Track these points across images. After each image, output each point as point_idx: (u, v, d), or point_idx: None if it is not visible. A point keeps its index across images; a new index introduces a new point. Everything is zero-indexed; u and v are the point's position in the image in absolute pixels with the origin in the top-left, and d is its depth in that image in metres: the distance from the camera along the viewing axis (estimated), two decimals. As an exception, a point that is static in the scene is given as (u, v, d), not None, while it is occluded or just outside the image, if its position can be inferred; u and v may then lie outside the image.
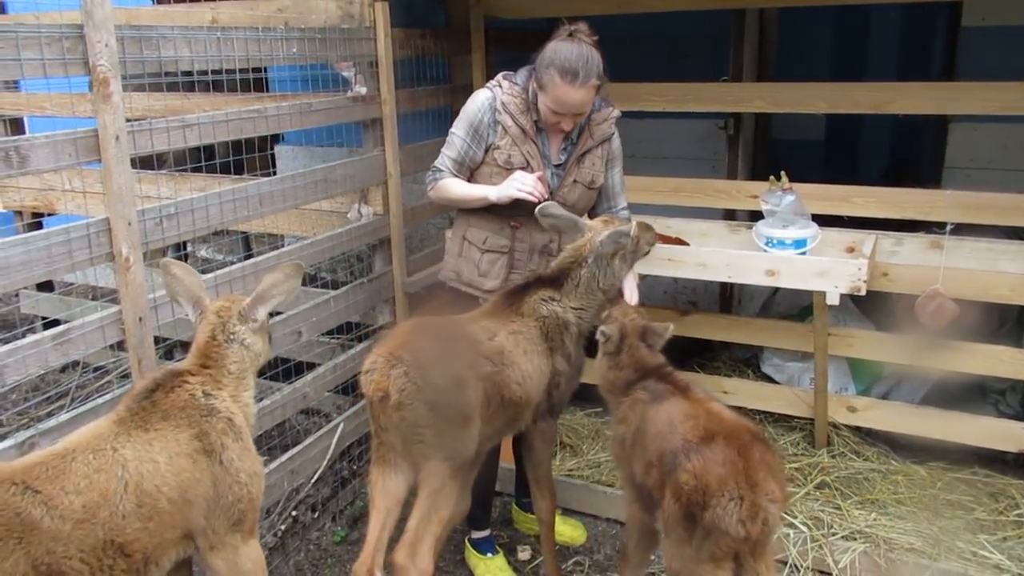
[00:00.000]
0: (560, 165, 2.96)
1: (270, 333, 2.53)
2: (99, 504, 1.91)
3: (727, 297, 4.82)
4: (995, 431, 3.50)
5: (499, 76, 2.96)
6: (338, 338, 3.82)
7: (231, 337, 2.32)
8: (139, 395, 2.14)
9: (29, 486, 1.83)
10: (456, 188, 2.94)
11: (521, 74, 2.90)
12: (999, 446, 3.51)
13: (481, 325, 2.69)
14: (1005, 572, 3.04)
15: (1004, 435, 3.48)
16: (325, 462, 3.42)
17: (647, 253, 2.98)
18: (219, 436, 2.16)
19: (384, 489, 2.57)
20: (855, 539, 3.23)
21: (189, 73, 2.90)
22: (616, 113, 3.02)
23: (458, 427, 2.50)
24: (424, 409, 2.42)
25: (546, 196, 2.81)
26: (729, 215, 4.41)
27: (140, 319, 2.55)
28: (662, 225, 3.69)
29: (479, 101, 2.90)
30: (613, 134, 3.03)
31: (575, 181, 2.96)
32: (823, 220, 3.47)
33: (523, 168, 2.87)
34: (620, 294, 2.94)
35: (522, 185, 2.77)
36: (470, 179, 2.97)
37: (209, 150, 3.02)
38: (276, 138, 4.86)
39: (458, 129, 2.92)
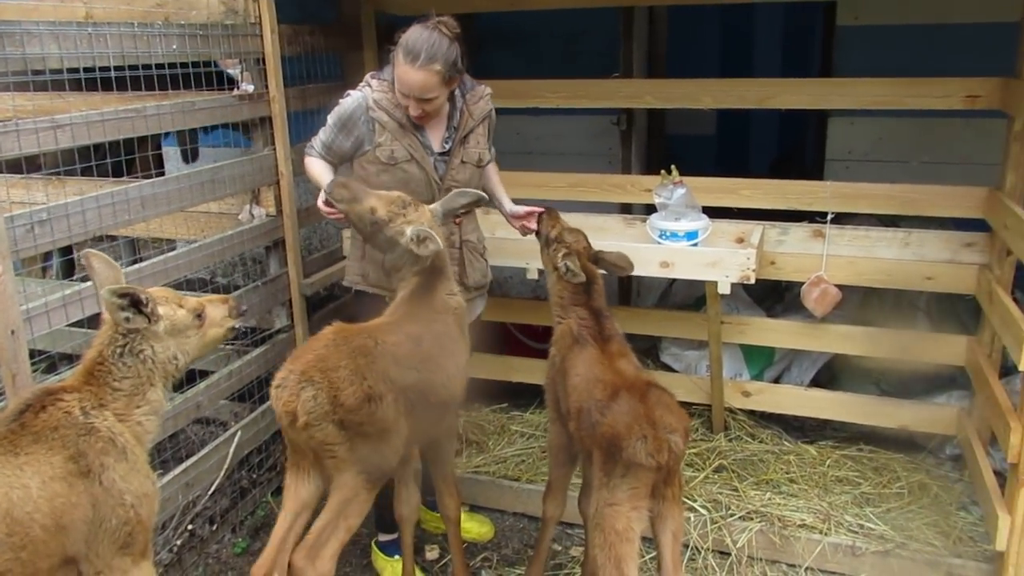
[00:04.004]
0: (444, 153, 2.97)
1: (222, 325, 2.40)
2: None
3: (626, 289, 4.92)
4: (877, 409, 3.69)
5: (367, 76, 2.97)
6: (233, 343, 3.70)
7: (121, 350, 2.15)
8: (7, 418, 2.00)
9: None
10: (311, 170, 2.99)
11: (388, 70, 2.90)
12: (881, 423, 3.71)
13: (406, 332, 2.62)
14: (889, 542, 3.21)
15: (885, 413, 3.67)
16: (223, 472, 3.31)
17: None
18: (98, 456, 2.03)
19: (296, 494, 2.52)
20: (752, 519, 3.35)
21: (161, 67, 2.88)
22: (489, 90, 3.08)
23: (375, 443, 2.44)
24: (334, 429, 2.35)
25: (330, 212, 2.78)
26: (625, 209, 4.49)
27: (12, 332, 2.39)
28: (560, 220, 3.73)
29: (351, 100, 2.91)
30: (491, 109, 3.09)
31: (462, 162, 2.99)
32: (714, 212, 3.57)
33: (407, 162, 2.90)
34: (525, 215, 3.08)
35: (321, 201, 2.79)
36: (355, 175, 2.97)
37: (98, 151, 2.88)
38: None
39: (331, 118, 2.95)
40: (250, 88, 3.35)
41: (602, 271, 2.94)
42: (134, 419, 2.17)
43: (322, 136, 2.98)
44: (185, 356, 2.28)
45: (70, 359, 3.44)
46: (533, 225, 3.08)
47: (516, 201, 3.21)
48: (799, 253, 3.58)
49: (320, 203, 2.79)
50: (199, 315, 2.32)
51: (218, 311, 2.39)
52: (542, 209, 3.08)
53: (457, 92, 2.95)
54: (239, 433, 3.40)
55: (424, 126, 2.92)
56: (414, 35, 2.70)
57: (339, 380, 2.33)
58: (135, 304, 2.13)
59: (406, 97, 2.78)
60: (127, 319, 2.13)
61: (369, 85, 2.92)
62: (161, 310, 2.20)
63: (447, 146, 2.97)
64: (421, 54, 2.67)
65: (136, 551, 2.13)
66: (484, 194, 2.85)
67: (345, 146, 2.94)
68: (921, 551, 3.16)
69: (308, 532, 2.46)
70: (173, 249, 3.27)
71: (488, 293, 3.36)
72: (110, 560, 2.07)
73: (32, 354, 2.54)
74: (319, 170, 2.96)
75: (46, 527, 1.91)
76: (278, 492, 3.73)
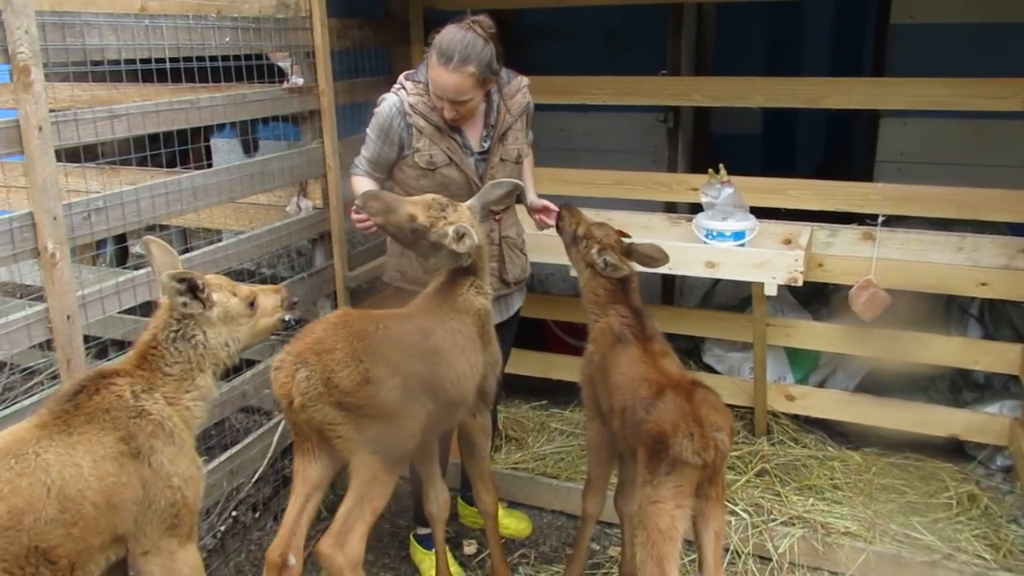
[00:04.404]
0: (484, 152, 2.95)
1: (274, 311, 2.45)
2: (24, 510, 1.84)
3: (669, 289, 4.88)
4: (926, 417, 3.61)
5: (401, 77, 2.93)
6: (278, 334, 3.73)
7: (175, 335, 2.20)
8: (62, 398, 2.06)
9: None
10: (356, 189, 2.96)
11: (422, 70, 2.85)
12: (929, 431, 3.62)
13: (416, 324, 2.61)
14: (936, 552, 3.14)
15: (934, 420, 3.59)
16: (266, 461, 3.35)
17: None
18: (147, 439, 2.08)
19: (304, 475, 2.53)
20: (794, 524, 3.30)
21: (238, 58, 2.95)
22: (526, 81, 3.02)
23: (383, 425, 2.42)
24: (331, 410, 2.35)
25: (364, 223, 2.74)
26: (670, 208, 4.45)
27: (68, 317, 2.45)
28: (604, 218, 3.70)
29: (387, 105, 2.87)
30: (529, 101, 3.04)
31: (501, 160, 2.96)
32: (761, 212, 3.53)
33: (446, 166, 2.88)
34: (542, 209, 3.06)
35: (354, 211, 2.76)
36: (393, 178, 2.99)
37: (152, 142, 2.93)
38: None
39: (371, 131, 2.92)
40: (300, 81, 3.38)
41: (636, 265, 2.91)
42: (183, 404, 2.21)
43: (366, 153, 2.96)
44: (236, 344, 2.32)
45: (121, 345, 3.50)
46: (549, 221, 3.06)
47: (559, 198, 3.19)
48: (848, 256, 3.51)
49: (353, 214, 2.77)
50: (251, 304, 2.35)
51: (270, 301, 2.43)
52: (556, 209, 3.04)
53: (493, 88, 2.90)
54: (283, 423, 3.44)
55: (462, 126, 2.90)
56: (448, 36, 2.67)
57: (333, 362, 2.34)
58: (192, 289, 2.18)
59: (440, 100, 2.75)
60: (184, 303, 2.17)
61: (404, 88, 2.88)
62: (215, 296, 2.24)
63: (485, 145, 2.95)
64: (454, 56, 2.63)
65: (182, 533, 2.17)
66: (519, 182, 2.81)
67: (392, 155, 2.92)
68: (969, 563, 3.09)
69: (333, 519, 2.45)
70: (220, 240, 3.31)
71: (529, 290, 3.35)
72: (157, 540, 2.11)
73: (85, 339, 2.59)
74: (364, 187, 2.92)
75: (97, 505, 1.96)
76: (319, 482, 3.77)
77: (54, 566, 1.88)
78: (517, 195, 3.06)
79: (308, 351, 2.36)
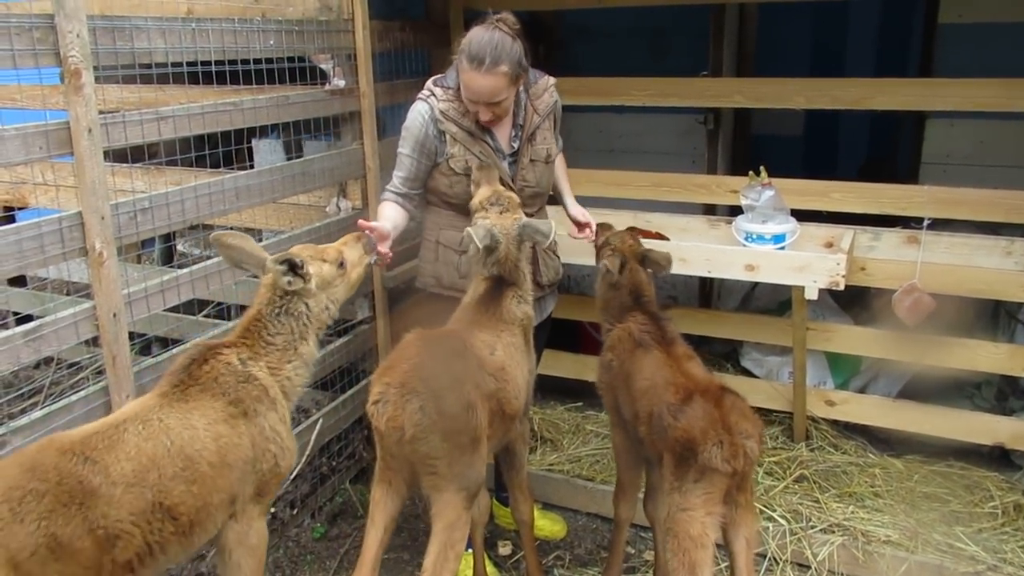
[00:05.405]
0: (514, 153, 2.95)
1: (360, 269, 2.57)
2: (148, 468, 1.98)
3: (706, 292, 4.84)
4: (971, 424, 3.53)
5: (429, 83, 2.92)
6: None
7: (279, 310, 2.32)
8: (177, 370, 2.21)
9: (88, 456, 1.93)
10: (380, 215, 2.93)
11: (451, 75, 2.84)
12: (974, 439, 3.55)
13: (481, 339, 2.58)
14: (980, 563, 3.07)
15: (979, 428, 3.51)
16: (304, 458, 3.39)
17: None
18: (253, 402, 2.21)
19: (385, 508, 2.48)
20: (833, 532, 3.26)
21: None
22: (552, 80, 3.02)
23: (470, 454, 2.38)
24: (439, 441, 2.30)
25: (379, 252, 2.74)
26: (709, 210, 4.42)
27: (114, 315, 2.50)
28: (642, 220, 3.69)
29: (417, 116, 2.86)
30: (556, 101, 3.03)
31: (531, 160, 2.96)
32: (802, 215, 3.48)
33: None
34: (581, 226, 3.12)
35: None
36: (426, 187, 2.99)
37: (201, 143, 3.00)
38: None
39: (405, 148, 2.91)
40: (342, 83, 3.41)
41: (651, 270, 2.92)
42: (284, 373, 2.33)
43: (400, 172, 2.94)
44: (335, 304, 2.46)
45: (165, 342, 3.58)
46: (582, 235, 3.13)
47: (597, 199, 3.18)
48: (891, 259, 3.45)
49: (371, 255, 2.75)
50: (341, 263, 2.47)
51: (355, 252, 2.55)
52: (593, 228, 3.10)
53: (520, 88, 2.89)
54: (320, 421, 3.48)
55: (492, 128, 2.89)
56: (475, 38, 2.65)
57: (441, 389, 2.29)
58: (292, 268, 2.31)
59: (475, 103, 2.74)
60: (289, 283, 2.30)
61: (434, 94, 2.87)
62: (311, 269, 2.36)
63: (515, 146, 2.95)
64: (486, 58, 2.62)
65: (264, 503, 2.28)
66: (554, 240, 2.78)
67: (429, 165, 2.92)
68: (1016, 575, 3.02)
69: (422, 569, 2.36)
70: (261, 240, 3.36)
71: (565, 291, 3.35)
72: (243, 505, 2.22)
73: (130, 336, 2.64)
74: (386, 214, 2.89)
75: (213, 464, 2.10)
76: (356, 480, 3.82)
77: (176, 522, 2.02)
78: (553, 196, 3.10)
79: (413, 379, 2.28)
